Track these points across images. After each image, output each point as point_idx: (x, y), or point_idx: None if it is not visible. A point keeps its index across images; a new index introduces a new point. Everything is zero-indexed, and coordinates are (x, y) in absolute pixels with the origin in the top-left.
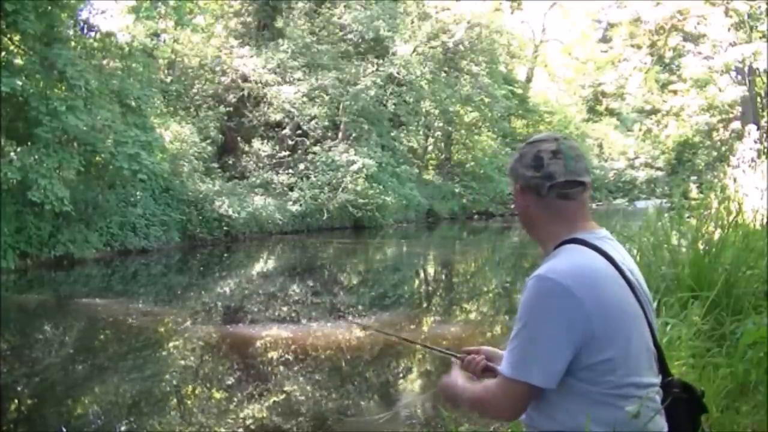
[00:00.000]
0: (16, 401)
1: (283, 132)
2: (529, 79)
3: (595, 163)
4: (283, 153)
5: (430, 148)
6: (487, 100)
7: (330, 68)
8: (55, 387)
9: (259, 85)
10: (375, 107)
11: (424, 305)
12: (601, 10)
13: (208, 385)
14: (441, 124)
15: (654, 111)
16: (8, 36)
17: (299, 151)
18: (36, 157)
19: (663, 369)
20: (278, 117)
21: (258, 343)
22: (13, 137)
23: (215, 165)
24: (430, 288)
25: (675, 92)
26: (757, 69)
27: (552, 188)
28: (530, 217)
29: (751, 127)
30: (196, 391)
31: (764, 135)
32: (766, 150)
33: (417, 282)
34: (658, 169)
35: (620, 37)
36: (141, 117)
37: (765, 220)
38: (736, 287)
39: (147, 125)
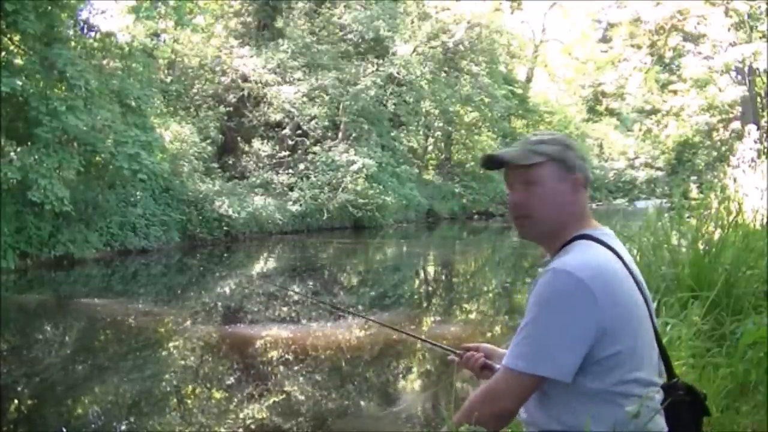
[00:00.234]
0: (16, 401)
1: (283, 132)
2: (529, 79)
3: (595, 163)
4: (283, 153)
5: (430, 148)
6: (487, 100)
7: (330, 68)
8: (55, 387)
9: (259, 85)
10: (375, 107)
11: (424, 305)
12: (601, 10)
13: (208, 385)
14: (441, 124)
15: (654, 111)
16: (8, 36)
17: (299, 151)
18: (36, 157)
19: (668, 370)
20: (278, 117)
21: (258, 343)
22: (13, 137)
23: (215, 165)
24: (430, 288)
25: (675, 92)
26: (757, 69)
27: (588, 184)
28: (550, 206)
29: (751, 127)
30: (196, 391)
31: (764, 135)
32: (766, 150)
33: (417, 282)
34: (658, 169)
35: (620, 37)
36: (141, 117)
37: (765, 220)
38: (736, 287)
39: (147, 125)
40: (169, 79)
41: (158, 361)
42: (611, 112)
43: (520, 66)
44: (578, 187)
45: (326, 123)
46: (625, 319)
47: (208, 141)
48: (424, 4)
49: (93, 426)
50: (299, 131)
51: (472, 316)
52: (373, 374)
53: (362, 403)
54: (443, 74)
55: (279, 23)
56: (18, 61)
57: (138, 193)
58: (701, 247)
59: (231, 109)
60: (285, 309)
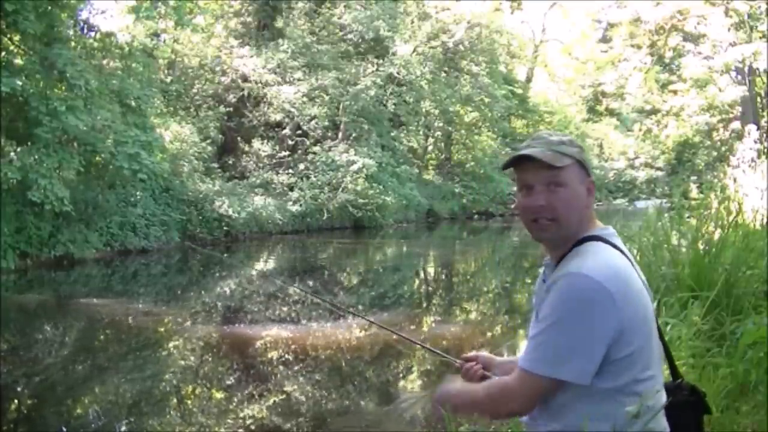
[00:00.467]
0: (16, 401)
1: (283, 132)
2: (529, 79)
3: (595, 163)
4: (283, 153)
5: (430, 148)
6: (487, 100)
7: (330, 68)
8: (55, 387)
9: (259, 85)
10: (375, 107)
11: (424, 305)
12: (601, 10)
13: (208, 385)
14: (441, 124)
15: (654, 111)
16: (8, 36)
17: (299, 151)
18: (36, 157)
19: (672, 369)
20: (278, 117)
21: (258, 343)
22: (13, 137)
23: (215, 165)
24: (430, 288)
25: (675, 92)
26: (757, 69)
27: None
28: (574, 209)
29: (751, 127)
30: (196, 391)
31: (764, 135)
32: (766, 150)
33: (417, 282)
34: (658, 169)
35: (620, 37)
36: (141, 117)
37: (765, 220)
38: (736, 287)
39: (147, 125)
40: (169, 79)
41: (158, 361)
42: (611, 112)
43: (520, 66)
44: (592, 190)
45: (326, 123)
46: (638, 318)
47: (208, 141)
48: (424, 4)
49: (93, 426)
50: (299, 131)
51: (472, 316)
52: (373, 374)
53: (362, 403)
54: (443, 74)
55: (279, 23)
56: (18, 61)
57: (138, 193)
58: (701, 247)
59: (231, 109)
60: (285, 309)
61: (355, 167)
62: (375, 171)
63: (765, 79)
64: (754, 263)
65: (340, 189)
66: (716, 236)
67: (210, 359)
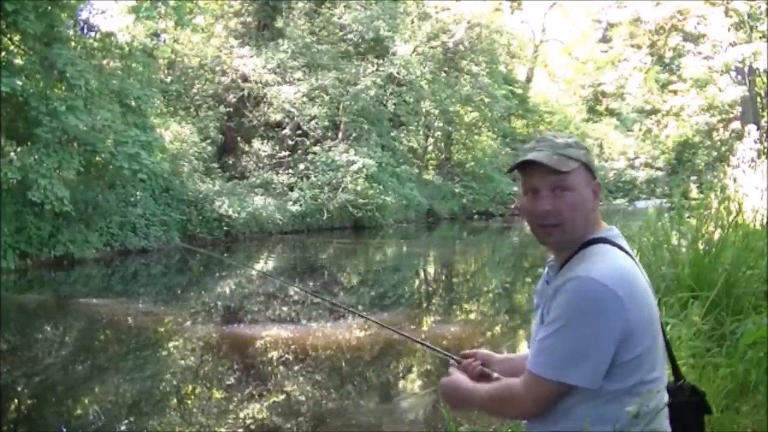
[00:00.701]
0: (16, 401)
1: (283, 132)
2: (529, 79)
3: (596, 163)
4: (283, 153)
5: (430, 148)
6: (487, 100)
7: (330, 68)
8: (55, 387)
9: (259, 85)
10: (375, 107)
11: (424, 305)
12: (601, 10)
13: (208, 385)
14: (441, 124)
15: (654, 111)
16: (8, 36)
17: (299, 151)
18: (36, 157)
19: (674, 370)
20: (278, 117)
21: (258, 343)
22: (13, 137)
23: (215, 165)
24: (430, 288)
25: (675, 92)
26: (757, 69)
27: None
28: (580, 213)
29: (751, 127)
30: (196, 391)
31: (764, 135)
32: (766, 150)
33: (417, 282)
34: (658, 169)
35: (620, 37)
36: (141, 117)
37: (765, 220)
38: (736, 287)
39: (147, 125)
40: (169, 79)
41: (158, 361)
42: (611, 112)
43: (520, 66)
44: (597, 192)
45: (326, 123)
46: (645, 320)
47: (208, 141)
48: (424, 4)
49: (93, 426)
50: (299, 131)
51: (472, 316)
52: (372, 374)
53: (362, 403)
54: (443, 74)
55: (279, 23)
56: (18, 61)
57: (138, 193)
58: (701, 247)
59: (231, 109)
60: (285, 309)
61: (355, 167)
62: (375, 171)
63: (765, 79)
64: (754, 263)
65: (340, 189)
66: (716, 236)
67: (210, 359)
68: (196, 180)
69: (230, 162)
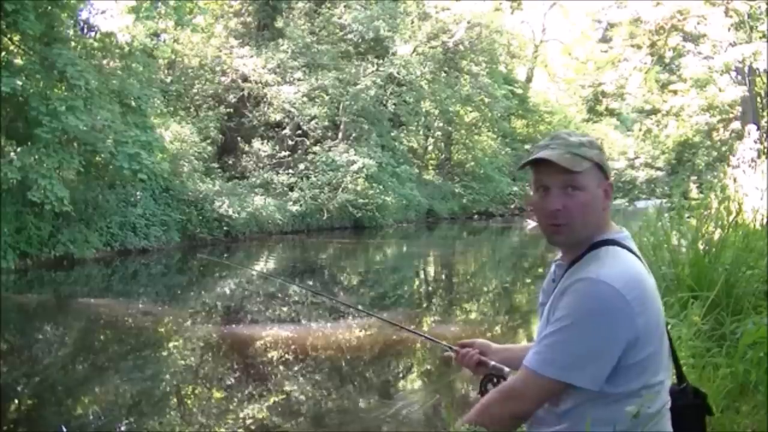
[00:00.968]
0: (16, 401)
1: (283, 132)
2: (529, 79)
3: None
4: (283, 153)
5: (430, 148)
6: (487, 100)
7: (330, 68)
8: (55, 387)
9: (259, 85)
10: (375, 107)
11: (424, 305)
12: (601, 10)
13: (208, 385)
14: (441, 124)
15: (654, 111)
16: (8, 36)
17: (299, 151)
18: (36, 157)
19: (678, 373)
20: (278, 117)
21: (258, 343)
22: (13, 137)
23: (215, 165)
24: (430, 288)
25: (675, 92)
26: (757, 69)
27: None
28: (591, 213)
29: (751, 127)
30: (196, 391)
31: (764, 135)
32: (766, 150)
33: (417, 282)
34: (658, 169)
35: (620, 37)
36: (141, 117)
37: (765, 220)
38: (736, 287)
39: (147, 125)
40: (169, 79)
41: (158, 361)
42: (611, 112)
43: (520, 66)
44: (610, 193)
45: (326, 123)
46: (653, 324)
47: (208, 141)
48: (424, 4)
49: (93, 426)
50: (299, 131)
51: (472, 316)
52: (372, 374)
53: (362, 402)
54: (443, 74)
55: (279, 23)
56: (18, 61)
57: (138, 193)
58: (701, 247)
59: (231, 109)
60: (285, 309)
61: (355, 167)
62: (375, 171)
63: (765, 79)
64: (754, 263)
65: (340, 189)
66: (716, 236)
67: (210, 359)
68: (196, 180)
69: (230, 162)
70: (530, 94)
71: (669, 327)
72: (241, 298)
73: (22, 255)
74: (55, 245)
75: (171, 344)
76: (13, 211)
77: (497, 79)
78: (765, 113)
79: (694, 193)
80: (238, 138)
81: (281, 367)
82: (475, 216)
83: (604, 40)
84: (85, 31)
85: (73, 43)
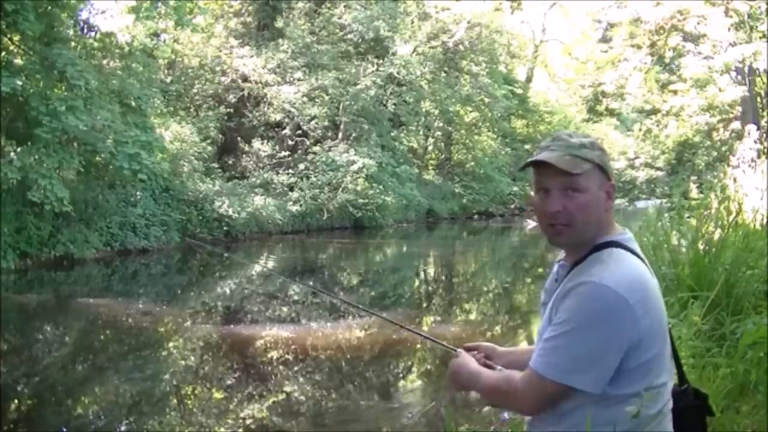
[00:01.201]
0: (16, 401)
1: (283, 132)
2: (529, 79)
3: None
4: (283, 153)
5: (430, 148)
6: (487, 100)
7: (330, 68)
8: (55, 387)
9: (259, 85)
10: (375, 107)
11: (424, 305)
12: (601, 10)
13: (208, 385)
14: (441, 124)
15: (654, 111)
16: (8, 36)
17: (299, 151)
18: (36, 157)
19: (679, 374)
20: (278, 117)
21: (258, 343)
22: (13, 137)
23: (215, 165)
24: (430, 288)
25: (675, 92)
26: (757, 69)
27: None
28: (592, 215)
29: (751, 127)
30: (196, 391)
31: (764, 135)
32: (766, 150)
33: (417, 282)
34: (658, 169)
35: (620, 37)
36: (141, 117)
37: (765, 220)
38: (736, 287)
39: (147, 125)
40: (169, 79)
41: (158, 361)
42: (611, 112)
43: (520, 66)
44: (612, 194)
45: (326, 123)
46: (655, 327)
47: (208, 141)
48: (424, 4)
49: (93, 426)
50: (299, 131)
51: (472, 316)
52: (372, 374)
53: (362, 402)
54: (443, 74)
55: (279, 23)
56: (18, 61)
57: (138, 193)
58: (701, 247)
59: (231, 109)
60: (285, 309)
61: (355, 167)
62: (375, 171)
63: (765, 79)
64: (754, 263)
65: (340, 189)
66: (716, 236)
67: (210, 359)
68: (196, 180)
69: (230, 162)
70: (530, 94)
71: (670, 327)
72: (240, 298)
73: (22, 255)
74: (55, 245)
75: (171, 344)
76: (13, 211)
77: (497, 79)
78: (765, 113)
79: (694, 193)
80: (238, 138)
81: (281, 367)
82: (475, 216)
83: (604, 40)
84: (85, 31)
85: (73, 43)
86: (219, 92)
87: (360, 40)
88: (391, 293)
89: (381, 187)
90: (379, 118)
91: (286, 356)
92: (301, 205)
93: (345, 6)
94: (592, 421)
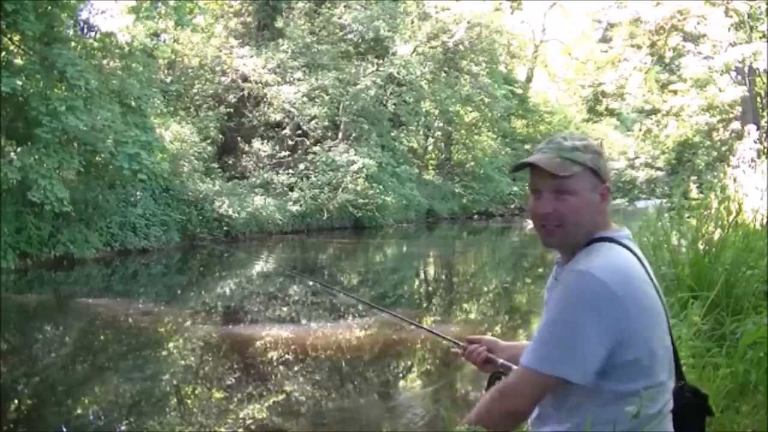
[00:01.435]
0: (16, 401)
1: (283, 132)
2: (529, 79)
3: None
4: (283, 153)
5: (430, 148)
6: (487, 100)
7: (330, 68)
8: (55, 387)
9: (259, 85)
10: (375, 107)
11: (425, 305)
12: (601, 10)
13: (208, 385)
14: (441, 124)
15: (654, 111)
16: (8, 36)
17: (299, 151)
18: (36, 157)
19: (677, 372)
20: (278, 117)
21: (258, 343)
22: (13, 137)
23: (215, 165)
24: (430, 288)
25: (675, 92)
26: (757, 69)
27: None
28: (584, 217)
29: (751, 127)
30: (196, 391)
31: (764, 135)
32: (766, 150)
33: (417, 282)
34: (658, 169)
35: (620, 37)
36: (141, 117)
37: (765, 220)
38: (736, 287)
39: (147, 125)
40: (169, 79)
41: (158, 361)
42: (611, 112)
43: (520, 66)
44: (606, 196)
45: (326, 123)
46: (647, 323)
47: (208, 141)
48: (424, 4)
49: (93, 426)
50: (299, 131)
51: (472, 315)
52: (373, 374)
53: (362, 402)
54: (443, 74)
55: (279, 23)
56: (18, 61)
57: (138, 193)
58: (701, 247)
59: (231, 109)
60: (285, 309)
61: (355, 167)
62: (375, 171)
63: (765, 79)
64: (754, 263)
65: (340, 189)
66: (716, 236)
67: (210, 359)
68: (196, 180)
69: (230, 162)
70: (530, 94)
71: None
72: (240, 297)
73: (22, 255)
74: (55, 245)
75: (171, 344)
76: (13, 211)
77: (497, 79)
78: (765, 113)
79: (694, 193)
80: (238, 138)
81: (281, 367)
82: (475, 216)
83: (604, 40)
84: (85, 31)
85: (73, 43)
86: (219, 92)
87: (360, 40)
88: (391, 293)
89: (381, 187)
90: (379, 118)
91: (286, 356)
92: (301, 205)
93: (345, 6)
94: (592, 421)
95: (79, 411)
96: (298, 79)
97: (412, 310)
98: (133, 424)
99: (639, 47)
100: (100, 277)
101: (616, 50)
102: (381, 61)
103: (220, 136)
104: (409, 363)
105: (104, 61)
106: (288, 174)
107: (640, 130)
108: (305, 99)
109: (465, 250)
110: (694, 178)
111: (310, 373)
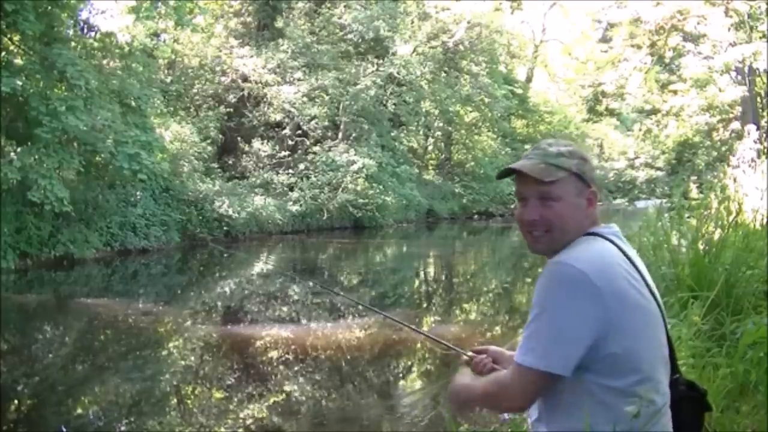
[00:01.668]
0: (16, 401)
1: (283, 132)
2: (529, 79)
3: (595, 163)
4: (283, 153)
5: (430, 148)
6: (487, 100)
7: (330, 68)
8: (55, 387)
9: (259, 85)
10: (375, 107)
11: (425, 305)
12: (601, 10)
13: (208, 385)
14: (441, 124)
15: (654, 111)
16: (8, 36)
17: (299, 151)
18: (36, 157)
19: (672, 366)
20: (278, 117)
21: (258, 343)
22: (13, 137)
23: (215, 165)
24: (430, 288)
25: (675, 92)
26: (757, 69)
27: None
28: (570, 222)
29: (751, 127)
30: (196, 391)
31: (764, 135)
32: (766, 150)
33: (417, 282)
34: (658, 169)
35: (620, 37)
36: (141, 117)
37: (765, 220)
38: (736, 287)
39: (147, 125)
40: (169, 79)
41: (158, 361)
42: (611, 112)
43: (520, 66)
44: (593, 201)
45: (326, 123)
46: (632, 318)
47: (208, 141)
48: (424, 4)
49: (93, 426)
50: (299, 131)
51: (472, 316)
52: (372, 374)
53: (362, 403)
54: (443, 74)
55: (279, 23)
56: (18, 61)
57: (138, 193)
58: (701, 247)
59: (231, 109)
60: (285, 309)
61: (355, 167)
62: (375, 171)
63: (765, 79)
64: (754, 263)
65: (340, 189)
66: (716, 236)
67: (210, 359)
68: (196, 180)
69: (230, 162)
70: (530, 94)
71: (669, 327)
72: (240, 297)
73: (22, 255)
74: (55, 245)
75: (171, 344)
76: (13, 211)
77: (497, 79)
78: (765, 113)
79: (694, 193)
80: (238, 138)
81: (281, 367)
82: (475, 216)
83: (604, 40)
84: (85, 31)
85: (73, 43)
86: (219, 92)
87: (360, 40)
88: (391, 293)
89: (381, 187)
90: (379, 118)
91: (286, 356)
92: (301, 205)
93: (345, 6)
94: (590, 420)
95: (79, 411)
96: (298, 79)
97: (412, 310)
98: (133, 424)
99: (639, 47)
100: (100, 277)
101: (616, 50)
102: (381, 61)
103: (220, 136)
104: (409, 363)
105: (104, 61)
106: (288, 174)
107: (640, 130)
108: (305, 99)
109: (465, 250)
110: (694, 178)
111: (309, 374)
